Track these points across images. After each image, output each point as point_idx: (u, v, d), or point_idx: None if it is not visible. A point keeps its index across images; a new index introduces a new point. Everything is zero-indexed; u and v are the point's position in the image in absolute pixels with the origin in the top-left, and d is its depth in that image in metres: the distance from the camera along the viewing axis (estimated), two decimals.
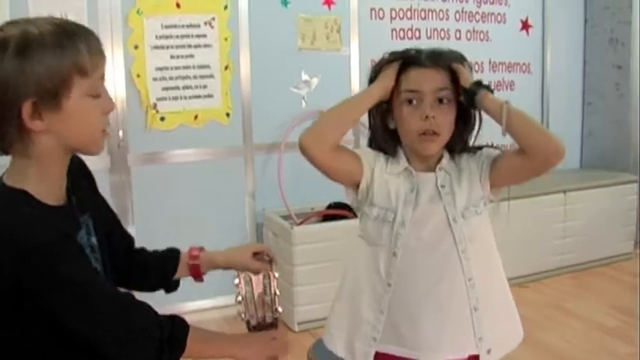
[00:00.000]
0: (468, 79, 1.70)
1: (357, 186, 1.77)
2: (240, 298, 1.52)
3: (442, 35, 5.12)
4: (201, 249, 1.70)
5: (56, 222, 1.20)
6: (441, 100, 1.68)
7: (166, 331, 1.26)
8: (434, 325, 1.71)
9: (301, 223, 4.36)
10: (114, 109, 1.32)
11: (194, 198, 4.39)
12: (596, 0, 5.68)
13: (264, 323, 1.52)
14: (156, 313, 1.30)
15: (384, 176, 1.73)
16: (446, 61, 1.72)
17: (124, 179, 4.20)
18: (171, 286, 1.68)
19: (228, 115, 4.46)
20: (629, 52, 5.43)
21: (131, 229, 4.00)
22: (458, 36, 5.20)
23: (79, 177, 1.42)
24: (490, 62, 5.35)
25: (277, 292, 1.54)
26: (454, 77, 1.71)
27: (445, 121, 1.68)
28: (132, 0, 4.12)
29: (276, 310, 1.53)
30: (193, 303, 4.29)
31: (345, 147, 1.77)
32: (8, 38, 1.18)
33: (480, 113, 1.72)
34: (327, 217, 4.51)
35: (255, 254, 1.66)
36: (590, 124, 5.89)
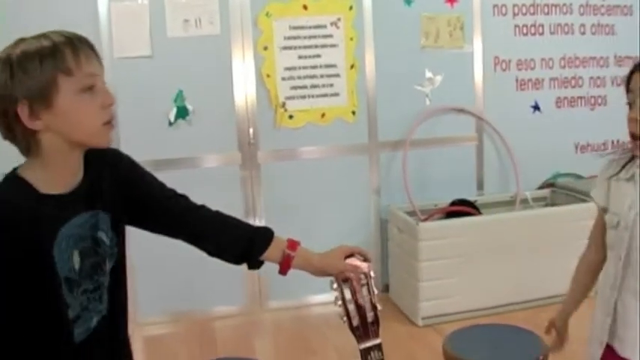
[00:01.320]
0: None
1: None
2: (339, 302, 1.55)
3: (566, 30, 5.04)
4: (299, 243, 1.67)
5: (16, 202, 1.34)
6: None
7: None
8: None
9: (426, 220, 4.39)
10: (114, 102, 1.40)
11: (320, 194, 4.52)
12: None
13: (366, 322, 1.54)
14: None
15: (614, 183, 1.77)
16: None
17: (254, 175, 4.40)
18: (255, 263, 1.67)
19: (353, 112, 4.56)
20: None
21: (258, 223, 4.18)
22: (582, 30, 5.10)
23: (108, 170, 1.51)
24: (616, 57, 5.22)
25: (375, 291, 1.57)
26: None
27: None
28: (261, 3, 4.31)
29: (376, 307, 1.56)
30: (317, 296, 4.35)
31: (595, 227, 1.90)
32: (1, 53, 1.34)
33: None
34: (450, 214, 4.55)
35: (348, 257, 1.64)
36: None
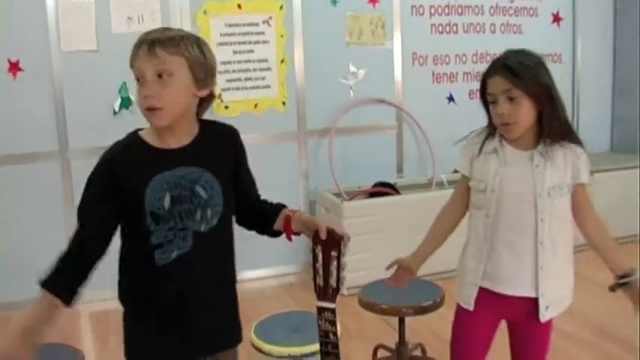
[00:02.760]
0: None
1: None
2: (317, 265, 1.78)
3: (478, 29, 5.53)
4: (296, 210, 1.96)
5: (127, 152, 1.76)
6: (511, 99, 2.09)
7: (50, 272, 1.78)
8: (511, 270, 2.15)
9: (350, 200, 4.82)
10: (147, 95, 1.69)
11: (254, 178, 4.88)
12: None
13: (327, 285, 1.78)
14: (74, 244, 1.79)
15: (481, 156, 2.17)
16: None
17: None
18: (272, 233, 1.99)
19: (284, 103, 4.97)
20: None
21: None
22: (492, 30, 5.59)
23: (226, 145, 1.89)
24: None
25: (344, 265, 1.78)
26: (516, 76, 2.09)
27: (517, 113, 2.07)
28: (199, 2, 4.65)
29: (340, 277, 1.78)
30: (253, 272, 4.84)
31: (456, 190, 2.30)
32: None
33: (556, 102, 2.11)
34: (372, 195, 4.96)
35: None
36: (620, 110, 6.22)
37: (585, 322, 4.00)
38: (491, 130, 2.18)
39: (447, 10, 5.40)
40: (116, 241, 1.84)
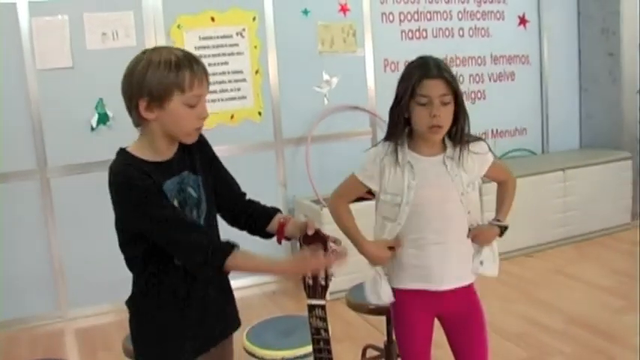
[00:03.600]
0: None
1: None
2: None
3: (447, 34, 5.64)
4: (292, 217, 2.11)
5: (135, 167, 1.81)
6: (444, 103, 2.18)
7: (213, 246, 1.81)
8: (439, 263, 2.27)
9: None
10: (207, 116, 1.87)
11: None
12: None
13: (317, 284, 1.87)
14: (210, 237, 1.86)
15: (391, 169, 2.23)
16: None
17: None
18: (264, 235, 2.10)
19: (260, 113, 5.03)
20: (619, 40, 5.91)
21: None
22: (461, 34, 5.71)
23: (198, 148, 1.98)
24: (492, 56, 5.86)
25: (331, 265, 1.89)
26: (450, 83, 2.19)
27: (447, 117, 2.19)
28: (172, 16, 4.70)
29: (328, 276, 1.87)
30: (235, 281, 4.84)
31: (350, 189, 2.43)
32: (141, 58, 1.79)
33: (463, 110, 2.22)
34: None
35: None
36: (587, 108, 6.37)
37: (559, 314, 4.12)
38: (396, 141, 2.24)
39: (416, 16, 5.51)
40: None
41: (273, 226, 2.06)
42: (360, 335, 3.86)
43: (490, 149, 2.33)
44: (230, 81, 4.89)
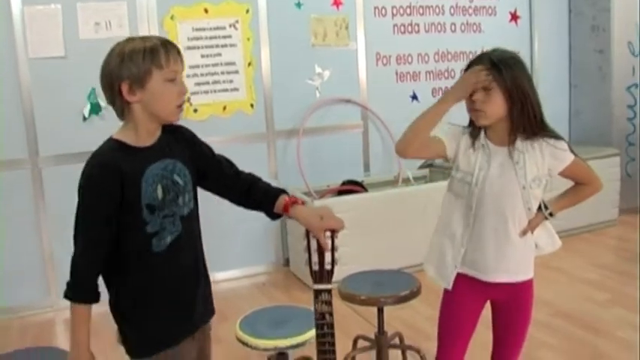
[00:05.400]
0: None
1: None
2: (312, 250, 1.92)
3: (439, 29, 5.67)
4: (303, 202, 2.09)
5: (117, 154, 1.86)
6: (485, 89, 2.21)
7: (77, 282, 1.92)
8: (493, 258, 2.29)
9: (320, 198, 4.92)
10: (187, 92, 1.94)
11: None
12: None
13: (323, 269, 1.90)
14: (85, 248, 1.92)
15: (468, 149, 2.28)
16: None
17: None
18: (271, 217, 2.14)
19: (252, 105, 5.05)
20: (609, 37, 5.97)
21: None
22: (453, 29, 5.75)
23: (180, 138, 2.03)
24: (483, 51, 5.86)
25: (337, 247, 1.92)
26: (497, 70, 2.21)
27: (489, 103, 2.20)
28: (166, 7, 4.71)
29: (334, 261, 1.91)
30: (225, 273, 4.89)
31: (432, 138, 2.30)
32: (114, 49, 1.86)
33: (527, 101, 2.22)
34: (341, 193, 5.08)
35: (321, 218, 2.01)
36: (577, 105, 6.44)
37: (545, 306, 4.16)
38: (475, 126, 2.29)
39: (408, 11, 5.53)
40: None
41: (278, 207, 2.09)
42: (350, 326, 3.89)
43: (571, 149, 2.30)
44: (223, 72, 4.90)
